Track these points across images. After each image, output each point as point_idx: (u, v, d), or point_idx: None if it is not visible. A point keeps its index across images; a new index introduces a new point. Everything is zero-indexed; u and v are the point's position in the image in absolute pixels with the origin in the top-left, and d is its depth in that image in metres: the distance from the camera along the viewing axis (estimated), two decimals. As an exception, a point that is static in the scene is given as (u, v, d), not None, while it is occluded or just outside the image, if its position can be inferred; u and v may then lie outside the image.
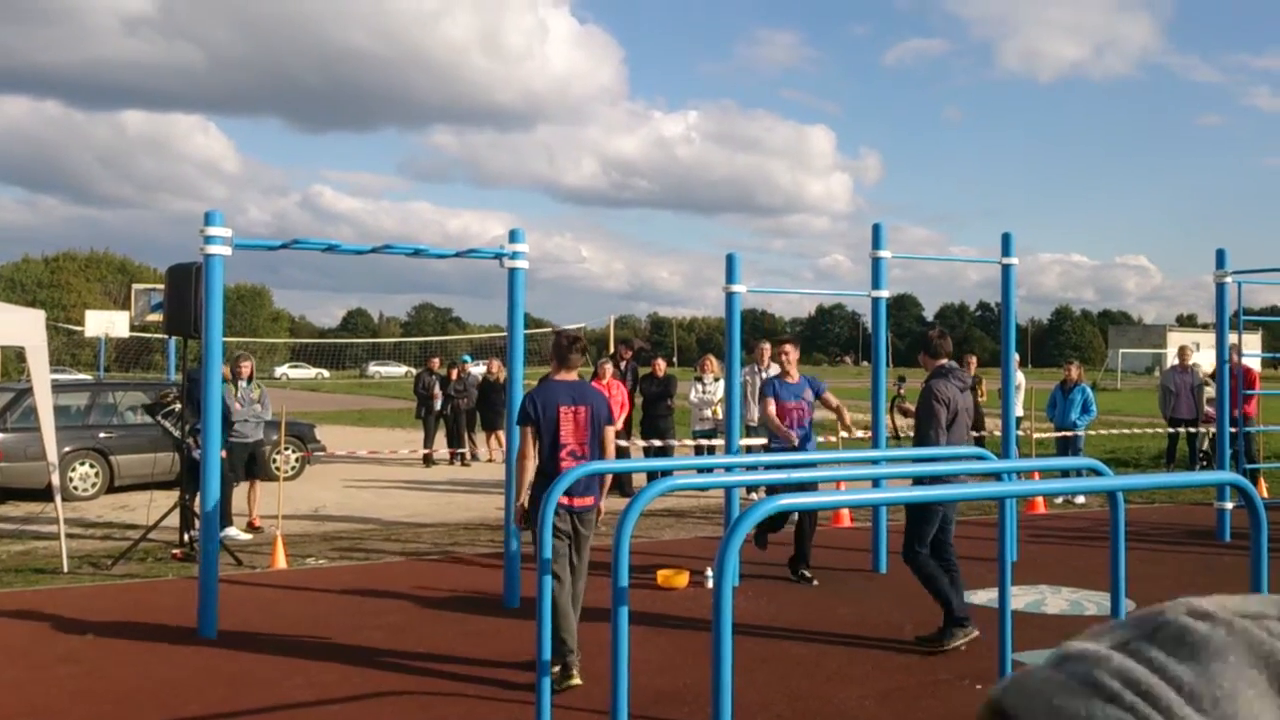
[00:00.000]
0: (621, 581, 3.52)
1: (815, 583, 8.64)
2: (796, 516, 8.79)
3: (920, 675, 6.24)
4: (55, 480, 9.55)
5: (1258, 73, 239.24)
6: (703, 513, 12.85)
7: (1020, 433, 14.95)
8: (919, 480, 6.31)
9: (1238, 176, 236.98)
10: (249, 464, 11.36)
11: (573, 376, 6.64)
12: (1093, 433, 17.84)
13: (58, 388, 14.06)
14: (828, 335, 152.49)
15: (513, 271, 8.03)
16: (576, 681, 5.93)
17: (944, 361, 7.35)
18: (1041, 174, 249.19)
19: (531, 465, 6.30)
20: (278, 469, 12.59)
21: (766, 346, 13.38)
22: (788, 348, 9.05)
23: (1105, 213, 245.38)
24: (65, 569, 9.17)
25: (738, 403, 9.06)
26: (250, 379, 11.48)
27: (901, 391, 8.31)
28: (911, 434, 7.40)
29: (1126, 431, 22.50)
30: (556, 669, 5.52)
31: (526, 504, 6.32)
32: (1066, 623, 7.48)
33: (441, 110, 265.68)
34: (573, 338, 6.73)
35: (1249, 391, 14.66)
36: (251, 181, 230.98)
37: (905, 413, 7.99)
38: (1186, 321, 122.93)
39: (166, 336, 11.67)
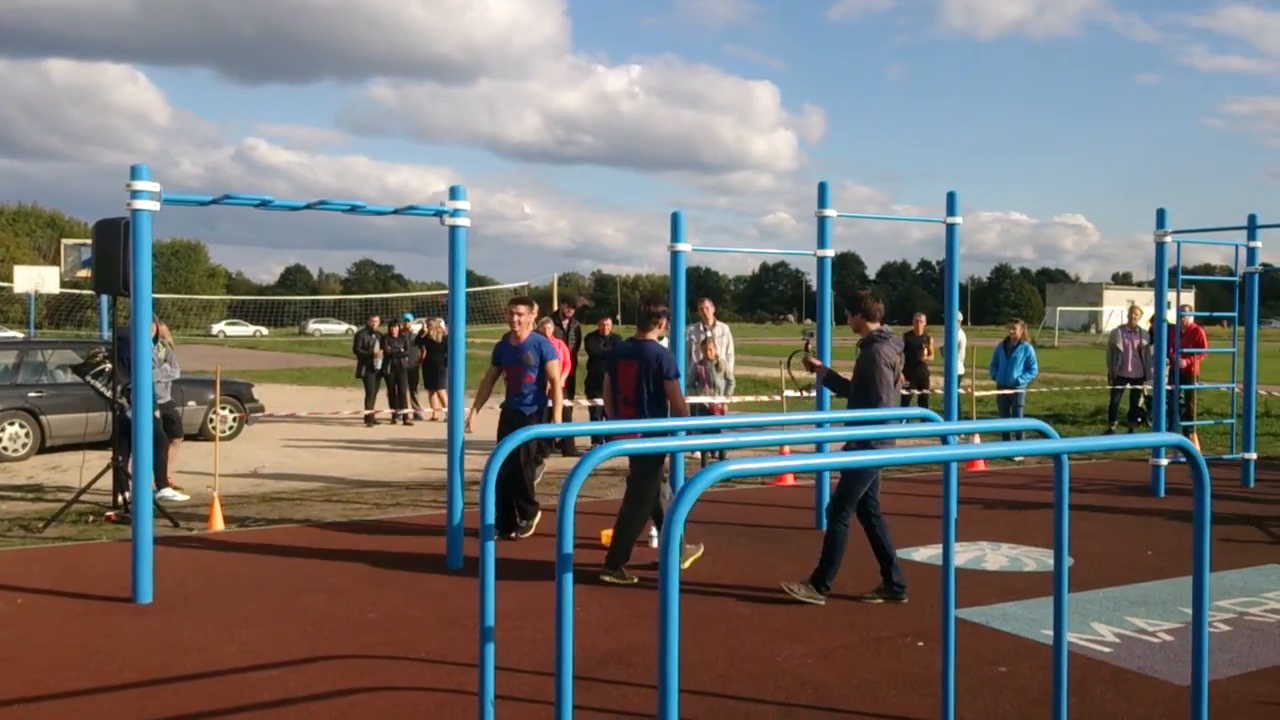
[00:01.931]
0: (566, 548, 3.46)
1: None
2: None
3: (862, 633, 6.27)
4: (-18, 442, 9.28)
5: (1195, 31, 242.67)
6: (647, 471, 12.81)
7: (961, 390, 15.12)
8: (853, 444, 6.30)
9: (1174, 135, 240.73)
10: (164, 424, 11.03)
11: (650, 336, 7.86)
12: (1032, 391, 18.08)
13: (-16, 346, 13.68)
14: (771, 293, 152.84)
15: (454, 229, 7.88)
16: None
17: (881, 325, 7.34)
18: (983, 132, 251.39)
19: (608, 402, 8.10)
20: (214, 429, 12.35)
21: (709, 304, 13.35)
22: (521, 308, 9.06)
23: (1045, 171, 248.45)
24: (-6, 533, 8.94)
25: (682, 361, 9.00)
26: (155, 339, 11.05)
27: (809, 345, 8.25)
28: (813, 390, 7.34)
29: (1064, 390, 22.86)
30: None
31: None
32: (1007, 579, 7.55)
33: (380, 62, 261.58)
34: (647, 305, 7.97)
35: (1192, 350, 14.94)
36: (183, 134, 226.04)
37: (812, 367, 7.92)
38: (1122, 280, 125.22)
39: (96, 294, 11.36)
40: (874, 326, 7.28)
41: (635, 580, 7.38)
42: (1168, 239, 10.78)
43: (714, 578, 7.56)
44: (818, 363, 7.96)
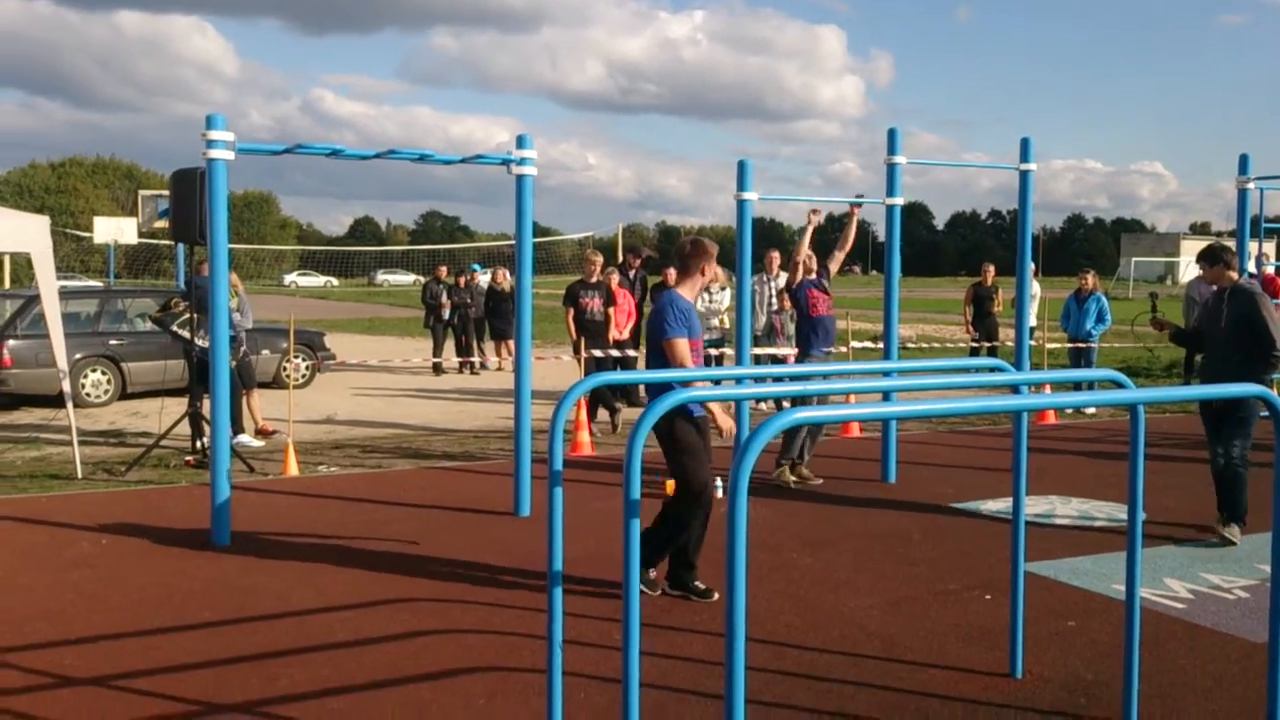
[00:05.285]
0: (634, 493, 3.48)
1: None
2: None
3: (929, 585, 6.24)
4: (66, 387, 9.56)
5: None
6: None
7: (1033, 342, 14.91)
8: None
9: (1260, 80, 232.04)
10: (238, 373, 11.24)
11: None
12: (1105, 344, 17.72)
13: (67, 295, 14.03)
14: (835, 243, 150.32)
15: (520, 178, 7.89)
16: None
17: (1238, 275, 7.40)
18: (1056, 78, 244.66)
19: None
20: (288, 377, 12.58)
21: (775, 255, 13.28)
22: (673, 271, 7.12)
23: (1121, 118, 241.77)
24: (79, 475, 9.22)
25: (748, 313, 8.97)
26: None
27: (1156, 305, 8.33)
28: (1168, 343, 8.04)
29: (1139, 344, 22.38)
30: None
31: None
32: (1076, 533, 7.47)
33: (442, 10, 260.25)
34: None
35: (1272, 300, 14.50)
36: (252, 85, 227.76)
37: (1161, 325, 7.96)
38: (1201, 229, 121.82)
39: (174, 243, 11.59)
40: (1235, 276, 7.34)
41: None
42: (1250, 185, 10.48)
43: (778, 529, 7.57)
44: (1165, 319, 8.07)
